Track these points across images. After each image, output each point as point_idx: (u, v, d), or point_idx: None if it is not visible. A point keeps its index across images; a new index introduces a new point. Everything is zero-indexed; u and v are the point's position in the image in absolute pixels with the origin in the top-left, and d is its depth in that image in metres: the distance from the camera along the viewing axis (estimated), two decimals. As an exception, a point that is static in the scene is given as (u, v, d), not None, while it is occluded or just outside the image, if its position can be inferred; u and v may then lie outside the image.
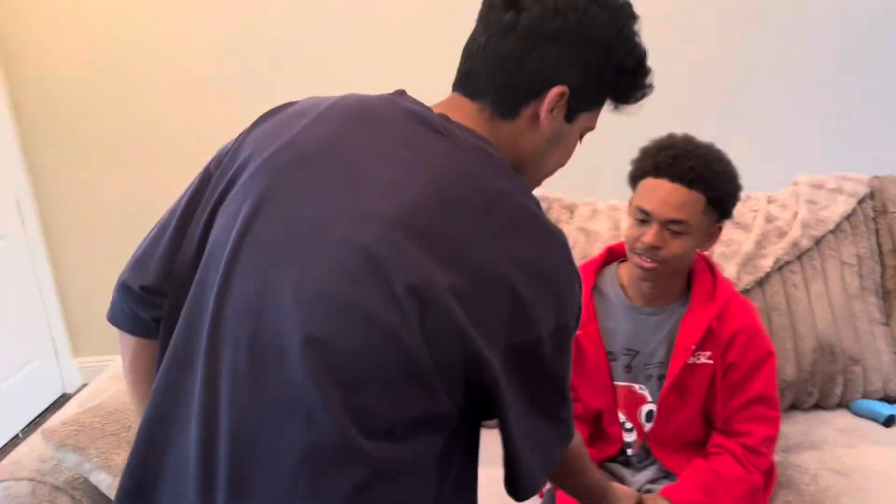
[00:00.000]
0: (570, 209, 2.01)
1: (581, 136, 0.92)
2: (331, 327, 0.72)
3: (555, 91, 0.83)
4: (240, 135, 0.87)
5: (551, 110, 0.84)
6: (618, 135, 2.50)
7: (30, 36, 2.79)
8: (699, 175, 1.34)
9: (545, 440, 0.85)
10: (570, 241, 1.91)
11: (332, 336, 0.72)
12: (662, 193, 1.35)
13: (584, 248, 1.90)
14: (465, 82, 0.86)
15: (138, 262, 0.88)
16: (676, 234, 1.36)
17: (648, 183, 1.38)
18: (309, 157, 0.78)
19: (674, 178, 1.35)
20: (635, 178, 1.43)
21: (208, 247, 0.81)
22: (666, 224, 1.35)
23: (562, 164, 0.91)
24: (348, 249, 0.72)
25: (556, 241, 0.80)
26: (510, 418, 0.79)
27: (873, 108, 2.48)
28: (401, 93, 0.87)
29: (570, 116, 0.87)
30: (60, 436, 1.37)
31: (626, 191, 2.05)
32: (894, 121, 2.48)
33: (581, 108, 0.87)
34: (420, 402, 0.74)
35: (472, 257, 0.74)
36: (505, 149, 0.84)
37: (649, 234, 1.35)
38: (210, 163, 0.87)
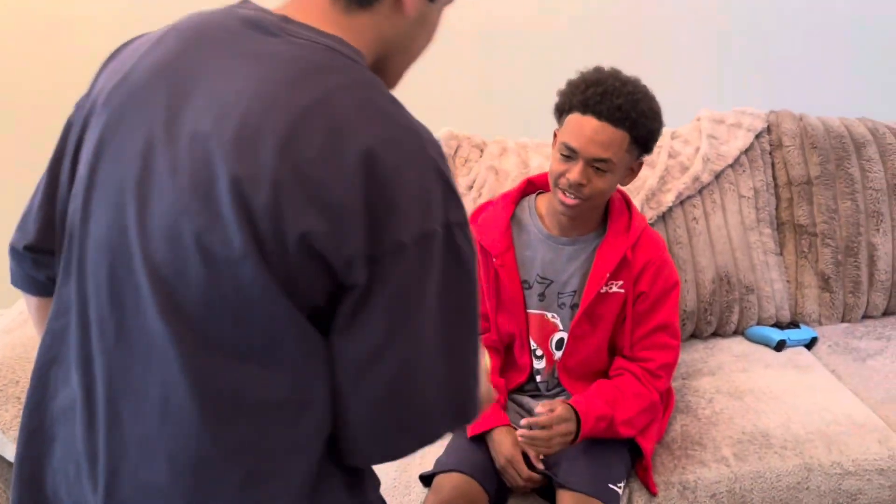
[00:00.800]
0: (480, 148, 2.00)
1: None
2: (171, 262, 0.70)
3: None
4: (94, 76, 0.84)
5: None
6: (525, 72, 2.50)
7: None
8: (626, 114, 1.36)
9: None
10: (480, 181, 1.92)
11: (174, 271, 0.70)
12: (589, 131, 1.37)
13: (493, 187, 1.90)
14: None
15: (20, 223, 0.89)
16: (600, 171, 1.38)
17: (575, 119, 1.39)
18: (141, 86, 0.75)
19: (601, 116, 1.36)
20: (561, 111, 1.44)
21: (72, 194, 0.79)
22: (591, 162, 1.37)
23: (426, 45, 0.86)
24: (177, 177, 0.70)
25: (408, 135, 0.72)
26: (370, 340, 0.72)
27: (774, 42, 2.55)
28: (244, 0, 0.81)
29: None
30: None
31: (536, 129, 2.07)
32: (791, 55, 2.55)
33: None
34: (274, 326, 0.71)
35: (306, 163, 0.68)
36: (366, 40, 0.78)
37: (574, 172, 1.38)
38: (73, 111, 0.84)
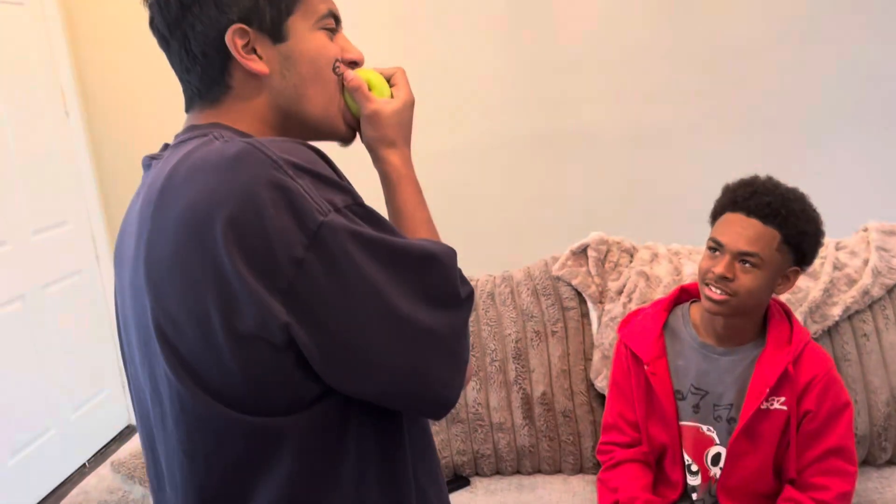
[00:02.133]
0: (630, 253, 2.00)
1: (331, 32, 0.84)
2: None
3: (229, 37, 0.78)
4: None
5: (250, 50, 0.79)
6: (676, 179, 2.49)
7: (106, 75, 2.95)
8: (775, 210, 1.36)
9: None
10: (630, 285, 1.90)
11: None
12: (737, 226, 1.38)
13: (643, 293, 1.88)
14: (186, 102, 0.85)
15: None
16: (748, 267, 1.36)
17: (725, 217, 1.41)
18: (125, 234, 0.84)
19: (749, 211, 1.37)
20: (715, 215, 1.46)
21: None
22: (738, 256, 1.37)
23: (318, 70, 0.83)
24: (133, 328, 0.81)
25: (222, 170, 0.70)
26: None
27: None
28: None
29: (275, 35, 0.80)
30: (129, 467, 1.41)
31: (687, 236, 2.04)
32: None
33: (276, 20, 0.80)
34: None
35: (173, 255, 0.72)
36: (245, 109, 0.81)
37: (720, 265, 1.37)
38: None
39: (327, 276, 0.68)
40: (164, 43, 0.81)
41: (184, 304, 0.71)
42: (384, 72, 0.91)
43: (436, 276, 0.76)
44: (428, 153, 2.59)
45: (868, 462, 1.79)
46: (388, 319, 0.72)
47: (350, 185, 0.75)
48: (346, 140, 0.90)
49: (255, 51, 0.80)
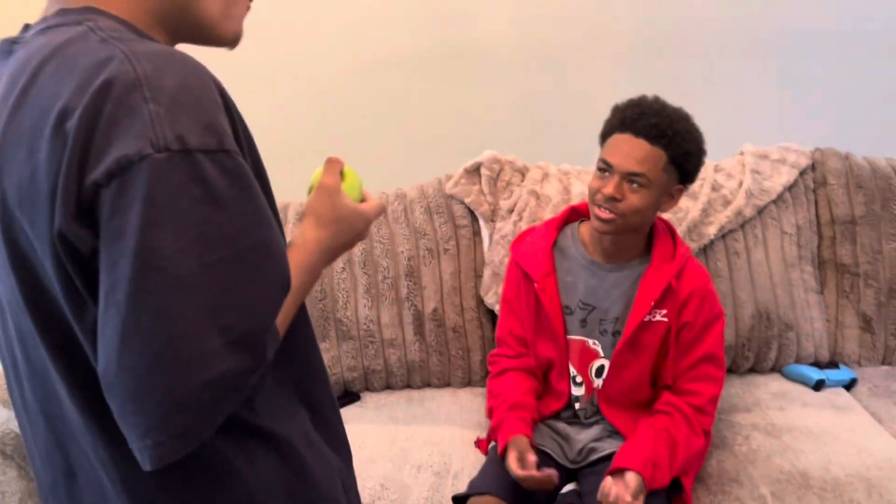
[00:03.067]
0: (522, 172, 2.01)
1: None
2: None
3: None
4: None
5: None
6: (568, 100, 2.51)
7: None
8: (661, 132, 1.39)
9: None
10: (521, 204, 1.92)
11: None
12: (625, 147, 1.41)
13: (534, 212, 1.91)
14: None
15: None
16: (636, 187, 1.40)
17: (614, 138, 1.44)
18: None
19: (637, 132, 1.40)
20: (604, 135, 1.48)
21: None
22: (626, 176, 1.40)
23: None
24: None
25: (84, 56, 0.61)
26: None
27: (819, 80, 2.54)
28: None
29: None
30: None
31: (578, 157, 2.07)
32: (837, 93, 2.54)
33: None
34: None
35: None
36: (136, 5, 0.70)
37: (609, 186, 1.40)
38: None
39: (111, 217, 0.58)
40: None
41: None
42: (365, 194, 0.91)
43: (255, 287, 0.63)
44: (317, 71, 2.49)
45: (732, 370, 1.93)
46: (144, 314, 0.58)
47: (233, 128, 0.65)
48: (233, 45, 0.82)
49: None
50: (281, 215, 1.59)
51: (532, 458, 1.38)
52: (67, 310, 0.64)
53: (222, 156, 0.62)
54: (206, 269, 0.60)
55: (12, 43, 0.72)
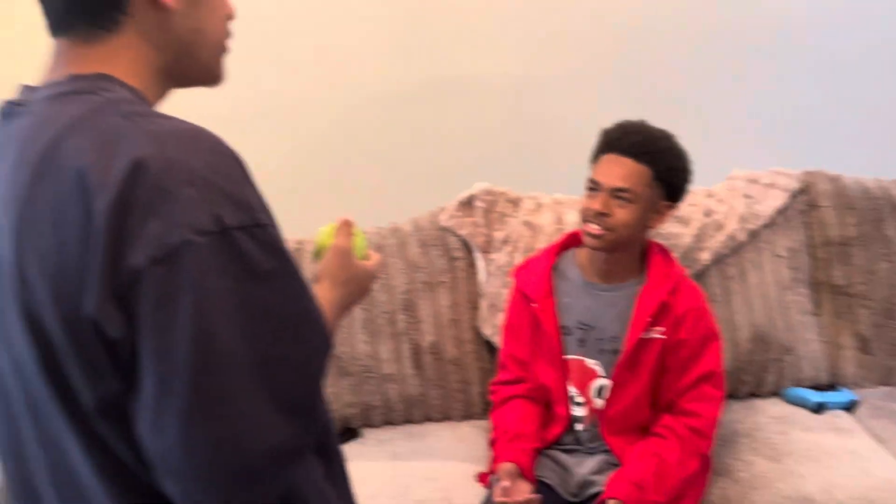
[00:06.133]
0: (515, 203, 2.03)
1: None
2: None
3: None
4: None
5: None
6: (563, 130, 2.54)
7: None
8: (645, 149, 1.46)
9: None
10: (515, 235, 1.93)
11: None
12: (611, 165, 1.48)
13: (528, 242, 1.92)
14: (49, 21, 0.71)
15: None
16: (622, 202, 1.46)
17: (602, 158, 1.51)
18: None
19: (622, 151, 1.47)
20: (594, 158, 1.55)
21: None
22: (612, 192, 1.46)
23: (221, 21, 0.78)
24: None
25: (129, 141, 0.61)
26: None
27: (805, 103, 2.57)
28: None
29: None
30: None
31: (571, 186, 2.09)
32: (825, 116, 2.57)
33: None
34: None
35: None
36: (140, 56, 0.71)
37: (597, 202, 1.47)
38: None
39: (158, 305, 0.59)
40: None
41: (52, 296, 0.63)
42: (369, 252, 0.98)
43: (302, 354, 0.65)
44: (307, 104, 2.51)
45: (731, 395, 1.92)
46: (204, 398, 0.60)
47: (261, 199, 0.66)
48: (216, 84, 0.83)
49: None
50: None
51: (525, 485, 1.39)
52: (80, 380, 0.64)
53: (257, 230, 0.63)
54: (256, 343, 0.62)
55: (15, 105, 0.72)
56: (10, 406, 0.74)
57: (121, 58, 0.70)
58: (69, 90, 0.68)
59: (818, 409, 1.85)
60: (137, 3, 0.70)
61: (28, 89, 0.73)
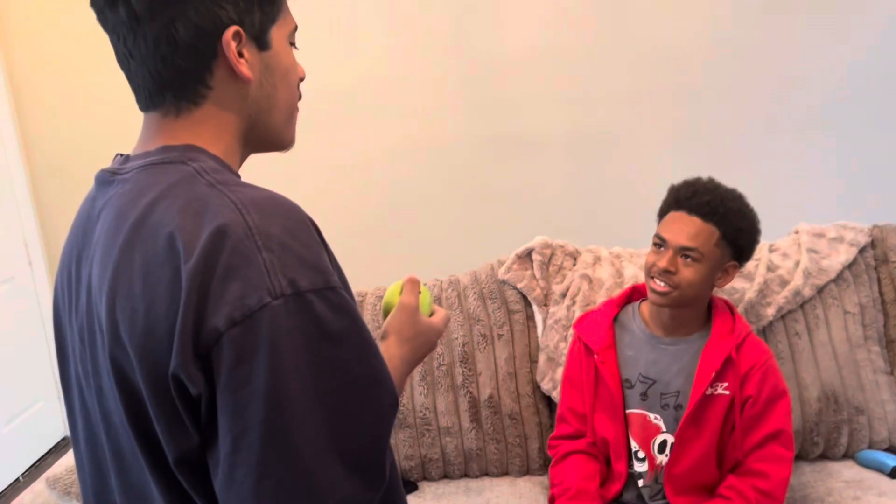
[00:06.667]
0: (574, 256, 2.03)
1: (292, 43, 0.83)
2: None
3: (228, 37, 0.74)
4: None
5: (240, 55, 0.75)
6: (617, 184, 2.54)
7: (38, 77, 2.85)
8: (714, 209, 1.46)
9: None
10: (574, 289, 1.93)
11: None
12: (679, 223, 1.48)
13: (587, 295, 1.91)
14: (140, 98, 0.78)
15: None
16: (689, 261, 1.46)
17: (670, 215, 1.52)
18: (78, 248, 0.81)
19: (691, 210, 1.48)
20: (661, 213, 1.56)
21: None
22: (679, 251, 1.47)
23: (291, 88, 0.82)
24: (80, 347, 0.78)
25: (206, 213, 0.66)
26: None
27: (873, 156, 2.52)
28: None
29: (261, 43, 0.77)
30: (65, 483, 1.36)
31: (630, 239, 2.08)
32: (893, 169, 2.51)
33: (263, 26, 0.77)
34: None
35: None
36: (222, 125, 0.77)
37: (664, 259, 1.47)
38: None
39: (235, 364, 0.62)
40: (134, 23, 0.72)
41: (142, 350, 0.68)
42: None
43: (369, 412, 0.68)
44: (371, 157, 2.58)
45: (801, 457, 1.86)
46: (276, 453, 0.63)
47: (330, 264, 0.70)
48: (290, 148, 0.89)
49: (241, 55, 0.76)
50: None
51: None
52: (164, 434, 0.68)
53: (329, 293, 0.67)
54: (326, 401, 0.65)
55: (112, 174, 0.78)
56: (98, 456, 0.79)
57: (205, 127, 0.77)
58: (162, 160, 0.74)
59: (894, 472, 1.76)
60: (219, 77, 0.75)
61: (123, 159, 0.79)
